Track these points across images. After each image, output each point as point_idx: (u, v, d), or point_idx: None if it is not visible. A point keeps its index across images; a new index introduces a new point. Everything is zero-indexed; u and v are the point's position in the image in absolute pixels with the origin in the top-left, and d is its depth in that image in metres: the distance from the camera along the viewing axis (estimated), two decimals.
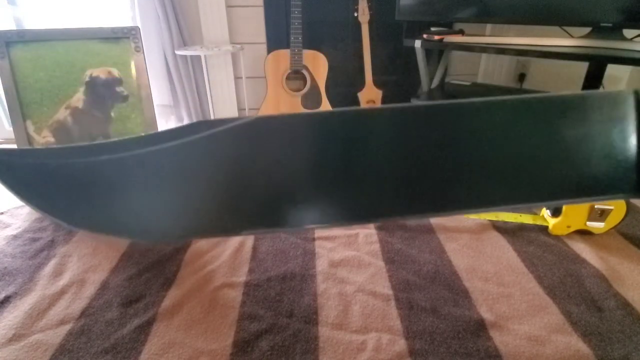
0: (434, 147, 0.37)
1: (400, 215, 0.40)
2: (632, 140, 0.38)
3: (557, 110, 0.37)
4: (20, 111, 1.11)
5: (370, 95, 1.60)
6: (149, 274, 0.82)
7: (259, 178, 0.38)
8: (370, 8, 1.49)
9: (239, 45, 1.54)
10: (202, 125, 0.39)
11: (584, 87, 1.28)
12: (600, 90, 0.37)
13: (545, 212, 0.97)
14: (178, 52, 1.45)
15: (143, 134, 0.41)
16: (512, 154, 0.38)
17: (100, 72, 1.16)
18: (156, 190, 0.40)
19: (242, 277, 0.81)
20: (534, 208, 1.04)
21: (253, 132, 0.38)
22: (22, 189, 0.45)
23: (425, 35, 1.41)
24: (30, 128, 1.13)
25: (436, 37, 1.38)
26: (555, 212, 0.93)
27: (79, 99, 1.15)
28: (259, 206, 0.40)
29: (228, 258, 0.86)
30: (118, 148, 0.40)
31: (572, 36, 1.25)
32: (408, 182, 0.38)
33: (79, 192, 0.42)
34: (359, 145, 0.37)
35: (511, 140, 0.37)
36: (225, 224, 0.41)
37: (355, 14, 1.50)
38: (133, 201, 0.41)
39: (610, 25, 1.12)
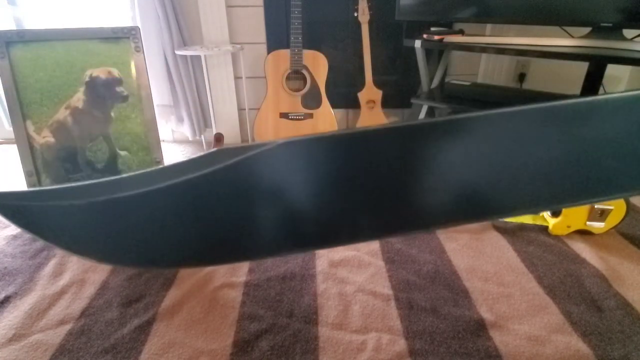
0: (462, 159, 0.37)
1: (423, 228, 0.41)
2: None
3: (581, 116, 0.36)
4: (20, 111, 1.11)
5: (370, 95, 1.60)
6: (149, 274, 0.82)
7: (282, 202, 0.39)
8: (370, 8, 1.48)
9: (239, 45, 1.54)
10: (221, 154, 0.39)
11: (584, 87, 1.28)
12: (623, 92, 0.37)
13: (545, 212, 0.97)
14: (178, 52, 1.45)
15: (162, 166, 0.41)
16: (537, 161, 0.37)
17: (100, 72, 1.16)
18: (181, 222, 0.41)
19: (242, 277, 0.81)
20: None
21: (274, 158, 0.38)
22: (45, 232, 0.45)
23: (425, 35, 1.41)
24: (30, 128, 1.13)
25: (436, 37, 1.38)
26: (555, 212, 0.93)
27: (79, 99, 1.15)
28: (284, 231, 0.40)
29: None
30: (139, 183, 0.41)
31: (572, 36, 1.25)
32: (440, 194, 0.38)
33: (101, 229, 0.43)
34: (387, 162, 0.37)
35: (533, 148, 0.37)
36: (252, 249, 0.42)
37: (355, 14, 1.50)
38: (161, 233, 0.42)
39: (610, 25, 1.12)
